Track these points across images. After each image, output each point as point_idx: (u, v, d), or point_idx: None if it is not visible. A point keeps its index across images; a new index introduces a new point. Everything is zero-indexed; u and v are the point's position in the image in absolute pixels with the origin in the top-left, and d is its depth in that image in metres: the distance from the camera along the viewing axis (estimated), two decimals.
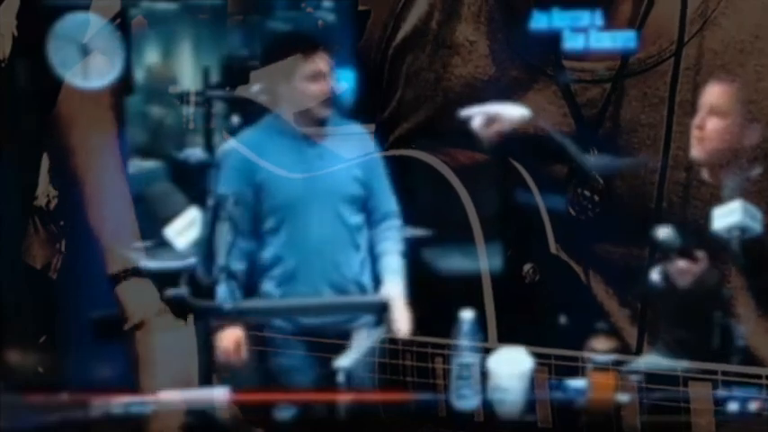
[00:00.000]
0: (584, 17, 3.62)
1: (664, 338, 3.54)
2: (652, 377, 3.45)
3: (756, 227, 3.40)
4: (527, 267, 3.79)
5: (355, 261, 3.60)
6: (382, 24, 3.98)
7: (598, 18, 3.62)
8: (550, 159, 3.76)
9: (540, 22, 3.62)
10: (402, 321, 3.53)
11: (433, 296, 3.66)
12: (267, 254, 3.59)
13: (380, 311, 3.60)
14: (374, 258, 3.63)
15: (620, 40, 3.65)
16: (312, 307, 3.61)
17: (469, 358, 3.44)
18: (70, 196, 3.90)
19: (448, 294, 3.66)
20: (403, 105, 3.94)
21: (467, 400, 3.44)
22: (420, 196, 3.81)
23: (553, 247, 3.79)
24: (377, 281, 3.63)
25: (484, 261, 3.73)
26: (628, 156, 3.67)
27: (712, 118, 3.50)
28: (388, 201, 3.64)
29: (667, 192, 3.63)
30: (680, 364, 3.43)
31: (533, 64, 3.76)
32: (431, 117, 3.92)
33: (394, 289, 3.57)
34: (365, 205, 3.62)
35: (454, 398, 3.45)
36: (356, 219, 3.61)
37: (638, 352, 3.62)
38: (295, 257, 3.57)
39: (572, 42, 3.63)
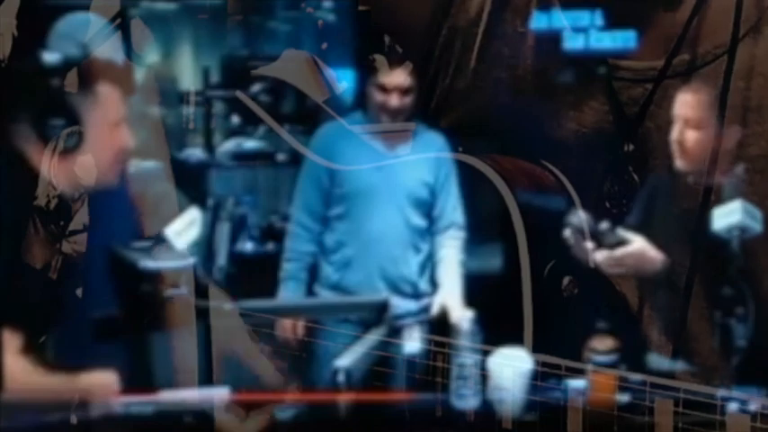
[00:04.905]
0: (584, 17, 3.65)
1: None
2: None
3: (756, 227, 3.41)
4: (566, 280, 3.82)
5: (413, 261, 3.74)
6: (430, 14, 4.00)
7: (597, 18, 3.66)
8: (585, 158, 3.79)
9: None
10: (458, 325, 3.60)
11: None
12: (331, 239, 3.74)
13: (380, 311, 3.63)
14: (434, 264, 3.76)
15: (619, 39, 3.68)
16: (312, 307, 3.63)
17: (469, 358, 3.45)
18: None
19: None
20: (452, 95, 3.97)
21: (466, 399, 3.44)
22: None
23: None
24: (435, 286, 3.75)
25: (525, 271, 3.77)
26: (664, 155, 3.67)
27: (689, 130, 3.52)
28: (454, 212, 3.78)
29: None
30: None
31: (577, 58, 3.78)
32: (481, 107, 3.95)
33: (450, 295, 3.70)
34: (431, 211, 3.76)
35: (454, 397, 3.46)
36: (419, 222, 3.75)
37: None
38: (355, 246, 3.72)
39: (572, 43, 3.67)
